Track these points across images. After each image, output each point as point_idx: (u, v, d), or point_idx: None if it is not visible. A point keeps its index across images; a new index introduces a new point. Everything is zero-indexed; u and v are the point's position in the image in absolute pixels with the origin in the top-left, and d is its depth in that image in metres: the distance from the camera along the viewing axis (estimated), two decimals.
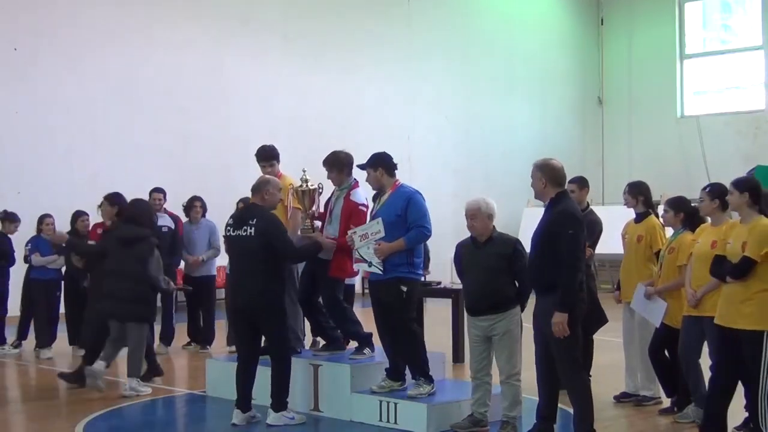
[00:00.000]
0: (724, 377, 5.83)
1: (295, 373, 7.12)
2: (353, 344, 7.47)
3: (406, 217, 6.58)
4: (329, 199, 7.28)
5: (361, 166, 6.88)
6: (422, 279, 7.11)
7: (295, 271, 7.63)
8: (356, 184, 7.14)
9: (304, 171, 7.33)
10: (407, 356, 6.67)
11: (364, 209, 7.02)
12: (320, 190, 7.26)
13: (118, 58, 14.54)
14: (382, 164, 6.73)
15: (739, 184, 5.75)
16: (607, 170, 21.13)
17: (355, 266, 6.83)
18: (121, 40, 14.62)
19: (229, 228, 6.82)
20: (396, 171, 6.84)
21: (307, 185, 7.22)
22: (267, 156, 7.89)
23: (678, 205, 6.94)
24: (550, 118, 21.27)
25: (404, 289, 6.54)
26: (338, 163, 7.10)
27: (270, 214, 6.79)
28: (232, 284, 7.00)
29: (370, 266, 6.60)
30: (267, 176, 7.13)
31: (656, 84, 21.51)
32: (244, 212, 6.87)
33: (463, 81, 19.46)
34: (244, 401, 6.73)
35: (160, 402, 8.02)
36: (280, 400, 6.67)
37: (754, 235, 5.56)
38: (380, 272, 6.58)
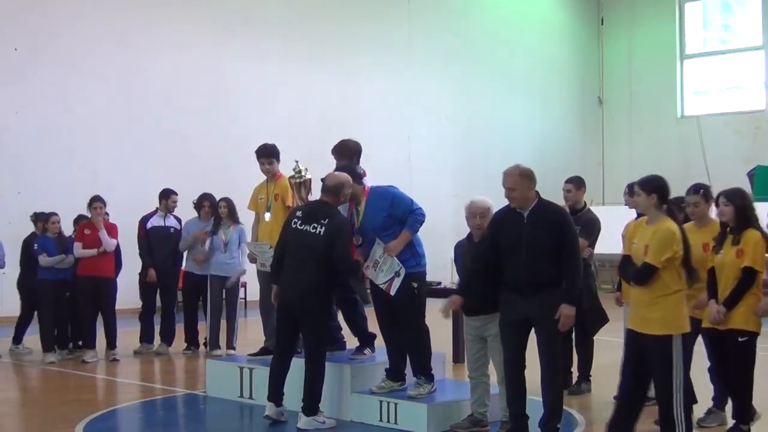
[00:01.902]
0: (632, 380, 5.63)
1: (295, 373, 7.13)
2: (351, 344, 7.45)
3: (395, 212, 6.59)
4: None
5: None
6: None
7: None
8: (365, 173, 7.04)
9: (296, 162, 7.34)
10: (413, 352, 6.65)
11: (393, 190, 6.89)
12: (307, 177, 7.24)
13: (119, 59, 14.54)
14: (348, 171, 6.75)
15: (646, 185, 5.59)
16: (607, 170, 21.14)
17: (392, 291, 6.58)
18: (121, 40, 14.62)
19: (296, 221, 6.69)
20: (364, 179, 6.79)
21: (301, 175, 7.23)
22: (267, 153, 7.91)
23: (678, 205, 6.90)
24: (550, 118, 21.27)
25: (415, 285, 6.56)
26: (348, 152, 7.15)
27: (343, 219, 6.70)
28: (287, 277, 6.71)
29: (399, 275, 6.54)
30: (343, 175, 6.78)
31: (656, 84, 21.51)
32: (317, 209, 6.70)
33: (463, 81, 19.46)
34: (277, 395, 6.69)
35: (160, 402, 8.03)
36: (312, 404, 6.58)
37: (655, 241, 5.42)
38: (404, 272, 6.53)
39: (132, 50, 14.72)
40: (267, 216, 7.87)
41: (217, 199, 10.44)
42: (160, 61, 15.02)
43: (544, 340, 5.90)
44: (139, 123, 14.73)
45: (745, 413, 6.07)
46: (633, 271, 5.53)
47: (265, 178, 8.13)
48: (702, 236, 6.24)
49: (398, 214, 6.60)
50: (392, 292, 6.55)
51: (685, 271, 5.51)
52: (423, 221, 6.66)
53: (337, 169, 6.87)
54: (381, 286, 6.61)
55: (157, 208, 10.72)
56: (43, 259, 9.94)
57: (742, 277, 5.91)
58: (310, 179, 7.26)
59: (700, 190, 6.48)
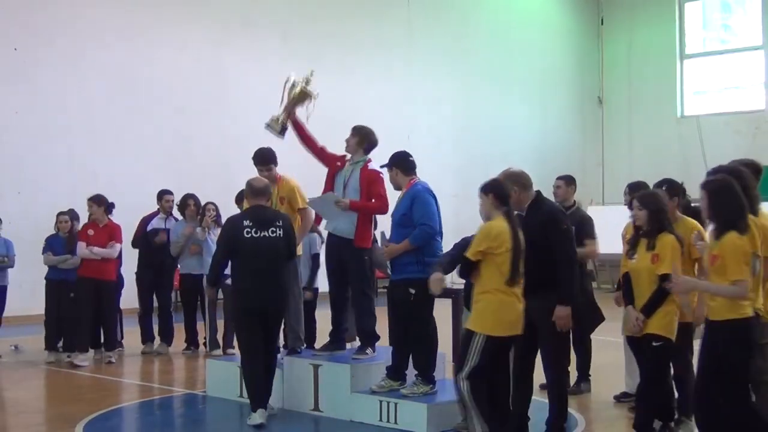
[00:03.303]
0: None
1: (294, 373, 7.15)
2: (350, 344, 7.46)
3: (411, 215, 6.58)
4: (335, 174, 7.25)
5: (383, 166, 6.93)
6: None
7: (298, 270, 7.65)
8: (369, 160, 7.18)
9: (312, 72, 7.54)
10: (416, 354, 6.67)
11: (383, 176, 7.07)
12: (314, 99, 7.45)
13: (118, 59, 14.52)
14: (395, 163, 6.76)
15: (486, 188, 5.77)
16: (607, 170, 21.14)
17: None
18: (121, 40, 14.61)
19: (248, 230, 6.75)
20: (414, 169, 6.82)
21: (308, 88, 7.42)
22: (264, 159, 7.78)
23: (687, 206, 6.79)
24: (550, 118, 21.27)
25: (412, 291, 6.50)
26: (361, 133, 7.18)
27: (289, 215, 7.13)
28: (254, 286, 6.77)
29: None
30: (264, 180, 7.21)
31: (656, 84, 21.51)
32: (266, 215, 6.91)
33: (463, 81, 19.46)
34: (264, 399, 6.77)
35: (160, 402, 8.03)
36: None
37: (476, 235, 5.63)
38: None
39: (132, 50, 14.71)
40: None
41: (204, 202, 10.41)
42: (160, 61, 15.01)
43: (545, 341, 5.91)
44: (139, 123, 14.71)
45: (647, 424, 5.79)
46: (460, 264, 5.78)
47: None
48: None
49: (413, 219, 6.60)
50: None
51: (509, 272, 5.56)
52: (428, 238, 6.58)
53: (391, 158, 6.82)
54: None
55: (158, 209, 10.73)
56: (46, 258, 9.94)
57: (660, 284, 5.59)
58: (313, 97, 7.43)
59: (663, 185, 6.31)
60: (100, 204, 9.82)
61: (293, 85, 7.48)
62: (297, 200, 7.63)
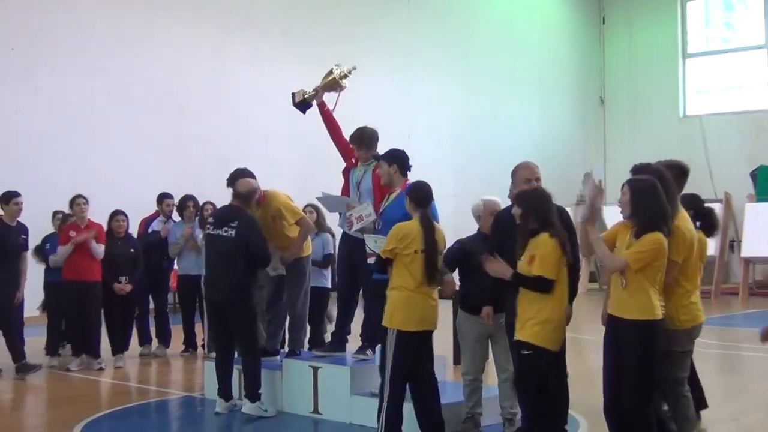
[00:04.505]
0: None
1: (293, 375, 7.09)
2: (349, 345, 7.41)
3: (411, 216, 6.52)
4: (350, 169, 7.19)
5: (381, 158, 6.81)
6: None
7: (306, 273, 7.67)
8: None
9: (354, 68, 7.62)
10: (369, 319, 6.75)
11: None
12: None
13: (116, 58, 14.50)
14: (397, 161, 6.64)
15: (409, 191, 5.91)
16: (609, 170, 21.11)
17: (369, 260, 6.61)
18: (118, 39, 14.59)
19: (209, 227, 7.25)
20: (409, 172, 6.76)
21: (342, 81, 7.48)
22: (234, 180, 7.47)
23: (688, 202, 6.57)
24: (552, 118, 21.23)
25: None
26: (366, 139, 7.09)
27: (251, 218, 7.19)
28: (211, 280, 7.31)
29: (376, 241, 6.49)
30: (253, 184, 7.30)
31: (658, 83, 21.49)
32: (226, 213, 7.20)
33: (463, 80, 19.43)
34: (225, 391, 7.19)
35: (157, 405, 7.98)
36: (253, 392, 7.03)
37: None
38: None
39: (130, 49, 14.68)
40: None
41: (203, 201, 10.31)
42: (159, 60, 14.97)
43: None
44: (138, 123, 14.70)
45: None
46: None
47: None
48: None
49: None
50: (353, 229, 6.74)
51: (423, 274, 5.71)
52: None
53: (392, 154, 6.68)
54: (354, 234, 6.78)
55: (157, 210, 10.67)
56: (53, 259, 9.59)
57: (533, 288, 5.28)
58: (343, 86, 7.49)
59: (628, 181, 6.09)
60: (87, 203, 9.52)
61: (330, 72, 7.61)
62: (287, 217, 7.51)
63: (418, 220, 5.86)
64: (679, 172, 5.74)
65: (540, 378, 5.28)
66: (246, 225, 7.06)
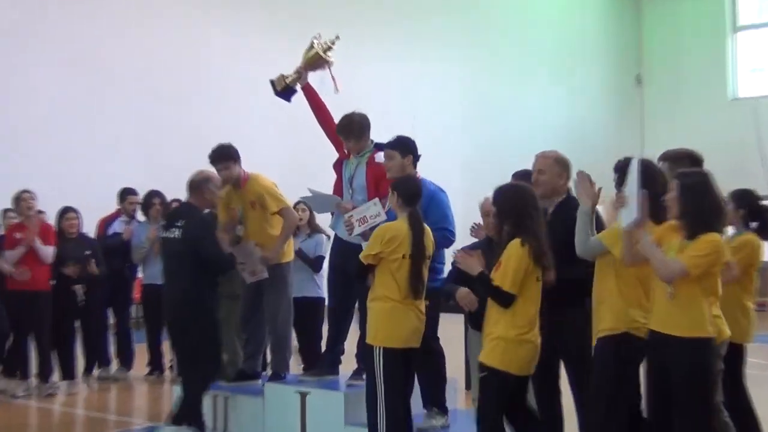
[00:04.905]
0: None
1: (278, 402, 7.03)
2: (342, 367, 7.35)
3: (426, 216, 6.43)
4: (343, 161, 7.14)
5: (383, 146, 6.71)
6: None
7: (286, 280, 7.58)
8: (376, 151, 6.97)
9: (337, 37, 7.65)
10: (423, 378, 6.56)
11: None
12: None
13: (81, 37, 14.53)
14: (411, 151, 6.58)
15: (397, 186, 5.95)
16: None
17: (354, 233, 6.65)
18: (84, 16, 14.60)
19: (160, 229, 7.24)
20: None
21: (325, 54, 7.45)
22: (218, 157, 7.46)
23: (740, 198, 6.51)
24: (580, 102, 21.26)
25: (426, 302, 6.37)
26: (356, 128, 6.99)
27: (201, 217, 7.04)
28: (164, 291, 7.21)
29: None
30: (207, 172, 7.20)
31: (704, 60, 21.53)
32: (175, 212, 7.24)
33: (473, 60, 19.51)
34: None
35: None
36: (184, 416, 6.85)
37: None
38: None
39: (98, 27, 14.73)
40: (239, 230, 7.65)
41: (171, 199, 10.21)
42: (131, 39, 14.98)
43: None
44: (107, 111, 14.70)
45: None
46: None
47: None
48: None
49: (427, 221, 6.42)
50: (354, 233, 6.58)
51: (408, 282, 5.73)
52: (448, 245, 6.56)
53: (405, 143, 6.61)
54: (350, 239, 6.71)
55: (117, 209, 10.60)
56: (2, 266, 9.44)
57: (490, 299, 5.33)
58: (330, 62, 7.46)
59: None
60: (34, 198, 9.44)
61: (311, 47, 7.55)
62: (269, 204, 7.43)
63: (407, 221, 5.84)
64: (688, 164, 5.70)
65: (497, 407, 5.26)
66: (193, 224, 6.86)
